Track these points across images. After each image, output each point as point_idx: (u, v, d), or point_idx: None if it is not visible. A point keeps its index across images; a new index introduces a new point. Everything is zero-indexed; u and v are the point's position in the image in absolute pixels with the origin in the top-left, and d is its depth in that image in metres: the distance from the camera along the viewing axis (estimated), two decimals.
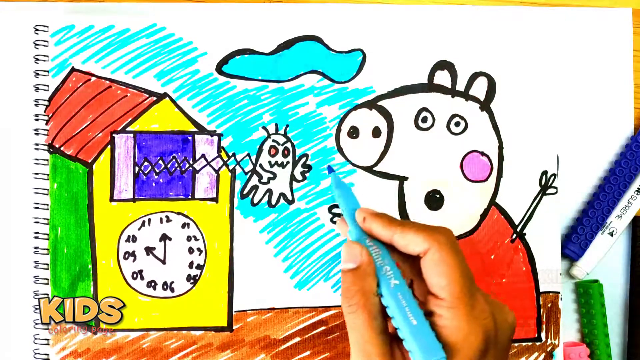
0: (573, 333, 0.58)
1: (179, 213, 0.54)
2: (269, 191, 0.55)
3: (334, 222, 0.55)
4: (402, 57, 0.56)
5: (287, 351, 0.55)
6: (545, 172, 0.56)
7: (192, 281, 0.54)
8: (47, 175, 0.54)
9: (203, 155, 0.55)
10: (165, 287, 0.54)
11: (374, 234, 0.46)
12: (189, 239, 0.54)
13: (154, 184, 0.54)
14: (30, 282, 0.54)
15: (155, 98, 0.54)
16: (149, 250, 0.54)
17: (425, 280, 0.44)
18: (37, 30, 0.54)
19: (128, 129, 0.54)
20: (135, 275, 0.54)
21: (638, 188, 0.57)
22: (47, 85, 0.54)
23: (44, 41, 0.54)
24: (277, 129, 0.55)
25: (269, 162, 0.55)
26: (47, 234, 0.54)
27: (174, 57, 0.54)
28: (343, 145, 0.55)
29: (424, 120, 0.56)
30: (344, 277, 0.44)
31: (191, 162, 0.55)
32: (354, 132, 0.55)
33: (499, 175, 0.56)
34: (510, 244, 0.56)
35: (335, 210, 0.55)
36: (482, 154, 0.56)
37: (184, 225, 0.55)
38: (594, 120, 0.58)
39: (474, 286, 0.43)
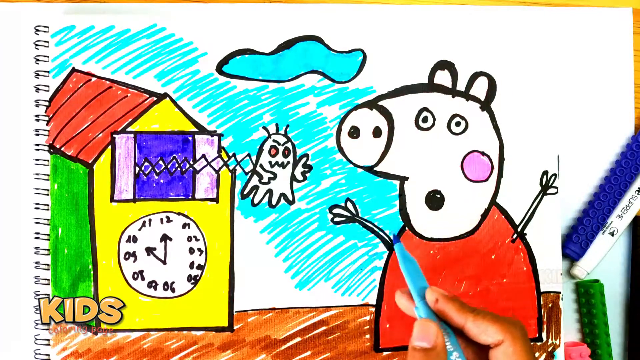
0: (574, 333, 0.58)
1: (179, 213, 0.54)
2: (270, 191, 0.55)
3: (335, 223, 0.55)
4: (402, 57, 0.56)
5: (287, 351, 0.55)
6: (545, 172, 0.56)
7: (192, 281, 0.54)
8: (48, 175, 0.54)
9: (203, 156, 0.55)
10: (166, 287, 0.54)
11: (445, 316, 0.45)
12: (189, 239, 0.54)
13: (154, 184, 0.54)
14: (31, 283, 0.54)
15: (155, 98, 0.54)
16: (149, 250, 0.54)
17: None
18: (37, 30, 0.54)
19: (128, 129, 0.54)
20: (136, 276, 0.54)
21: (639, 188, 0.57)
22: (48, 86, 0.54)
23: (45, 42, 0.54)
24: (277, 129, 0.55)
25: (270, 162, 0.55)
26: (48, 235, 0.54)
27: (174, 57, 0.54)
28: (344, 145, 0.55)
29: (425, 120, 0.56)
30: (414, 355, 0.43)
31: (191, 162, 0.55)
32: (354, 132, 0.55)
33: (500, 175, 0.56)
34: (510, 244, 0.56)
35: (336, 211, 0.55)
36: (483, 153, 0.56)
37: (184, 226, 0.55)
38: (594, 120, 0.58)
39: None
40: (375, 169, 0.55)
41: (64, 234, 0.54)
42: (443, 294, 0.46)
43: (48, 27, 0.54)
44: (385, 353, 0.55)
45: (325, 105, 0.55)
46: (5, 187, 0.55)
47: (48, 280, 0.54)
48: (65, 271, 0.53)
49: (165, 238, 0.54)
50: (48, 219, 0.54)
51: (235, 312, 0.54)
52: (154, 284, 0.54)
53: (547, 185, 0.56)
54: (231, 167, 0.55)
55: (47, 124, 0.54)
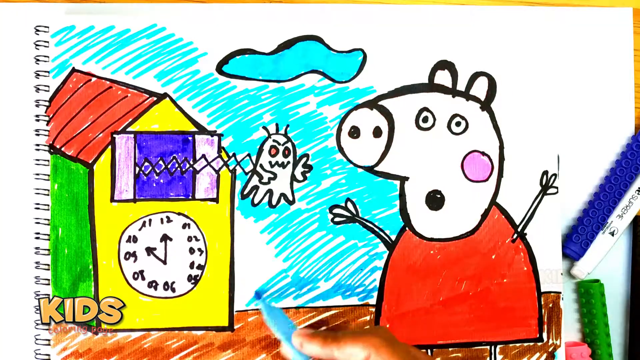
0: (574, 333, 0.58)
1: (179, 213, 0.54)
2: (270, 191, 0.55)
3: (335, 223, 0.55)
4: (402, 57, 0.56)
5: None
6: (546, 172, 0.56)
7: (193, 281, 0.54)
8: (48, 176, 0.54)
9: (203, 156, 0.55)
10: (166, 287, 0.54)
11: (314, 356, 0.47)
12: (189, 239, 0.54)
13: (154, 185, 0.54)
14: (31, 283, 0.54)
15: (155, 98, 0.54)
16: (149, 250, 0.54)
17: None
18: (37, 30, 0.54)
19: (128, 129, 0.54)
20: (136, 276, 0.54)
21: (639, 188, 0.57)
22: (48, 86, 0.54)
23: (45, 42, 0.54)
24: (277, 129, 0.55)
25: (270, 162, 0.55)
26: (48, 235, 0.54)
27: (174, 57, 0.54)
28: (344, 145, 0.55)
29: (425, 120, 0.56)
30: None
31: (191, 162, 0.55)
32: (354, 132, 0.55)
33: (500, 175, 0.56)
34: (511, 244, 0.56)
35: (336, 211, 0.55)
36: (483, 153, 0.56)
37: (184, 226, 0.55)
38: (594, 119, 0.58)
39: None
40: (376, 169, 0.55)
41: (64, 234, 0.54)
42: (304, 334, 0.48)
43: (48, 27, 0.54)
44: None
45: (325, 105, 0.55)
46: (5, 187, 0.55)
47: (48, 280, 0.54)
48: (65, 271, 0.53)
49: (165, 238, 0.54)
50: (48, 219, 0.54)
51: (236, 311, 0.54)
52: (154, 284, 0.54)
53: (547, 185, 0.56)
54: (231, 167, 0.55)
55: (47, 124, 0.54)
